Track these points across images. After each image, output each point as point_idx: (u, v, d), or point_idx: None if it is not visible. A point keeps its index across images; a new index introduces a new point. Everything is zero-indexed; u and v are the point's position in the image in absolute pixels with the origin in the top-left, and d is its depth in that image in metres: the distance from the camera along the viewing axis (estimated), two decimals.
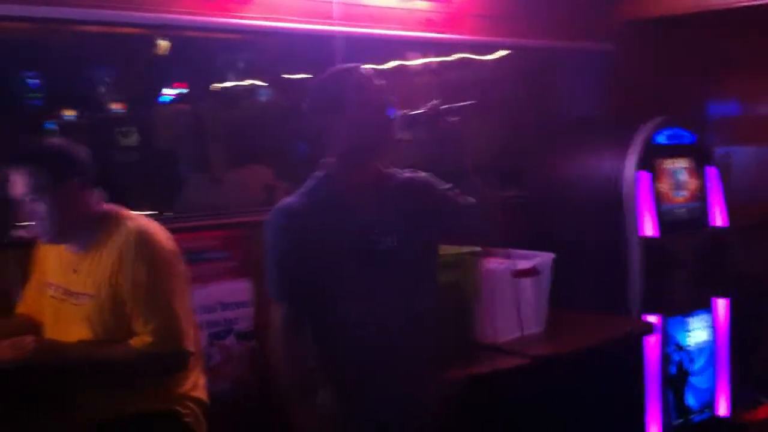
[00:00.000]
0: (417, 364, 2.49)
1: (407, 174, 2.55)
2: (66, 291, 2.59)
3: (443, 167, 2.53)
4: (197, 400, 2.69)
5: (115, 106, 4.50)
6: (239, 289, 3.64)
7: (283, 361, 2.34)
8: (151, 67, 4.23)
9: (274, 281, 2.38)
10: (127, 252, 2.50)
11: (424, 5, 4.56)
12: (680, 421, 4.59)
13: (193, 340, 2.59)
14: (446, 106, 2.43)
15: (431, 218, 2.46)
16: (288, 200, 2.41)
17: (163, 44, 3.97)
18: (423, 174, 2.58)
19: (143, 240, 2.53)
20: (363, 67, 2.45)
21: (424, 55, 4.91)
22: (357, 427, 2.44)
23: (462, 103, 2.43)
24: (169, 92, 4.58)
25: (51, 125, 4.19)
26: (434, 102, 2.42)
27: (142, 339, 2.47)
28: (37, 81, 3.97)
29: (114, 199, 2.71)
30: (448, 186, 2.53)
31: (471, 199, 2.50)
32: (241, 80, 4.60)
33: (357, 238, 2.35)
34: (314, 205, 2.37)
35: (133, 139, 4.53)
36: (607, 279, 4.49)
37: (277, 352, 2.35)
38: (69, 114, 4.31)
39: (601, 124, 5.10)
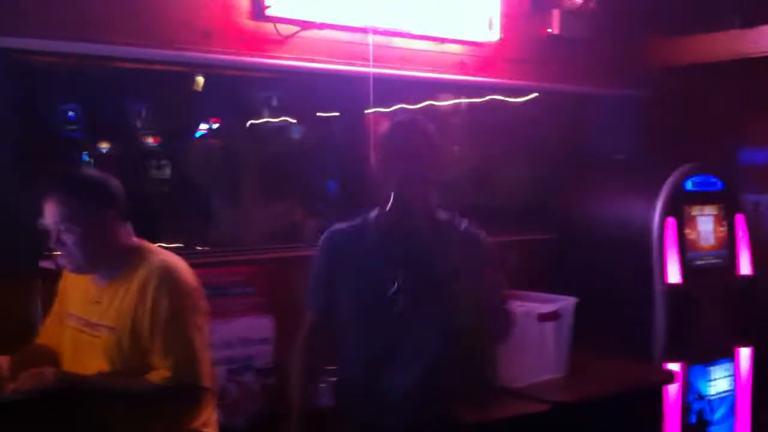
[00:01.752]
0: (430, 404, 2.54)
1: (462, 228, 2.61)
2: (86, 322, 2.62)
3: None
4: None
5: (150, 140, 4.60)
6: (261, 325, 3.66)
7: (297, 366, 2.66)
8: (186, 102, 4.32)
9: (309, 290, 2.68)
10: (150, 286, 2.53)
11: (457, 48, 4.61)
12: None
13: (209, 376, 2.61)
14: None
15: (459, 281, 2.51)
16: (340, 226, 2.69)
17: (199, 80, 4.05)
18: (479, 236, 2.65)
19: (166, 275, 2.56)
20: (423, 120, 2.63)
21: (456, 97, 4.95)
22: None
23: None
24: (203, 127, 4.67)
25: (86, 157, 4.29)
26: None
27: (160, 373, 2.50)
28: (74, 114, 4.07)
29: (144, 230, 2.75)
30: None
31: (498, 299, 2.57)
32: (274, 117, 4.67)
33: (380, 277, 2.53)
34: (357, 236, 2.63)
35: (165, 173, 4.62)
36: (631, 324, 4.45)
37: (296, 353, 2.67)
38: (104, 146, 4.41)
39: (630, 168, 5.09)
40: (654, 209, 4.44)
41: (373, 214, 2.65)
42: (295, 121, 4.68)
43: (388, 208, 2.51)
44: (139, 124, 4.59)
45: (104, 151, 4.41)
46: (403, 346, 2.53)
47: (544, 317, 3.89)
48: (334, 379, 2.74)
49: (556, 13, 4.87)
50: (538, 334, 3.88)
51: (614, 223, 4.67)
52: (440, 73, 4.55)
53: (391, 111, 4.31)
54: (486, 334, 2.62)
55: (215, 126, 4.68)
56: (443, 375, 2.58)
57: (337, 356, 2.69)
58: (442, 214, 2.60)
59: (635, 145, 5.21)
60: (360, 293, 2.57)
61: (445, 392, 2.63)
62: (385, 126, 2.66)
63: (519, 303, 3.87)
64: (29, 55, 3.30)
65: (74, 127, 4.08)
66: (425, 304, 2.51)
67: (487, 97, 4.95)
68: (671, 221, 4.41)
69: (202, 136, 4.70)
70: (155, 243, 2.80)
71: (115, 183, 2.63)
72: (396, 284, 2.50)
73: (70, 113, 4.05)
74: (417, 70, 4.43)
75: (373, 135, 2.65)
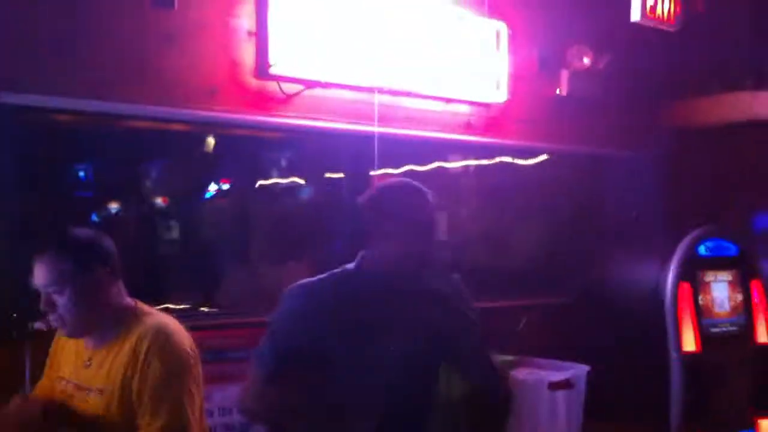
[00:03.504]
0: None
1: (446, 284, 2.50)
2: (76, 386, 2.54)
3: None
4: None
5: (159, 200, 4.57)
6: None
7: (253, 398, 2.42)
8: (195, 163, 4.30)
9: (265, 349, 2.40)
10: (142, 348, 2.44)
11: (465, 109, 4.58)
12: None
13: None
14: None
15: (443, 342, 2.41)
16: (308, 281, 2.42)
17: (209, 141, 4.03)
18: (459, 290, 2.53)
19: (160, 337, 2.47)
20: (414, 184, 2.48)
21: (464, 158, 4.91)
22: None
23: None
24: (211, 187, 4.64)
25: (96, 217, 4.26)
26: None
27: None
28: (85, 173, 4.06)
29: (149, 291, 2.69)
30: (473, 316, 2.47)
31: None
32: (283, 177, 4.64)
33: (364, 337, 2.32)
34: (333, 293, 2.37)
35: (174, 233, 4.58)
36: (647, 392, 4.33)
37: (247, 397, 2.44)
38: (114, 206, 4.38)
39: (643, 231, 5.00)
40: (667, 274, 4.36)
41: (350, 267, 2.44)
42: (302, 181, 4.65)
43: (373, 263, 2.39)
44: (149, 184, 4.59)
45: (114, 211, 4.39)
46: (391, 412, 2.34)
47: (555, 386, 3.77)
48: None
49: (564, 74, 4.85)
50: (549, 403, 3.75)
51: (627, 287, 4.57)
52: (447, 133, 4.51)
53: (395, 172, 4.27)
54: (483, 408, 2.50)
55: (224, 186, 4.65)
56: None
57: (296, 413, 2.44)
58: (434, 274, 2.47)
59: (648, 207, 5.12)
60: (340, 355, 2.33)
61: None
62: (377, 188, 2.51)
63: (528, 370, 3.77)
64: (42, 112, 3.30)
65: (85, 186, 4.07)
66: (413, 362, 2.34)
67: (497, 159, 4.91)
68: (685, 286, 4.32)
69: (210, 196, 4.67)
70: (160, 304, 2.72)
71: (106, 241, 2.56)
72: (388, 345, 2.30)
73: (82, 173, 4.04)
74: (424, 130, 4.39)
75: (364, 197, 2.52)
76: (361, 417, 2.33)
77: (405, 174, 4.46)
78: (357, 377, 2.32)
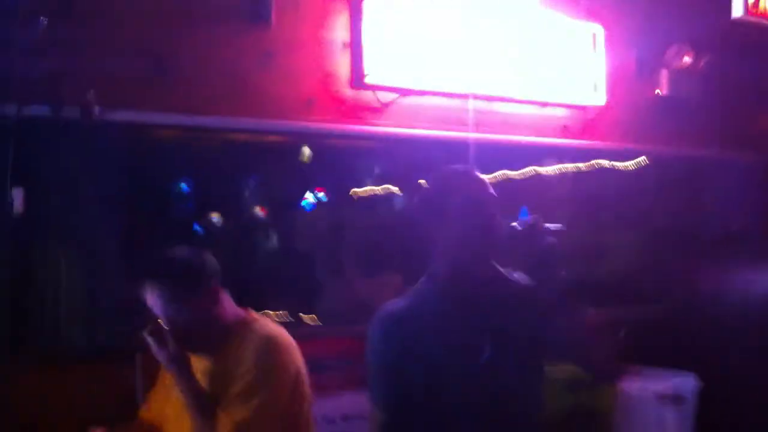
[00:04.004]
0: None
1: (521, 283, 2.41)
2: None
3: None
4: None
5: (258, 211, 4.64)
6: (362, 401, 3.55)
7: None
8: (292, 173, 4.34)
9: (376, 388, 2.25)
10: (246, 359, 2.48)
11: (561, 112, 4.51)
12: None
13: None
14: (542, 224, 2.28)
15: (536, 337, 2.33)
16: (391, 305, 2.28)
17: (305, 151, 4.06)
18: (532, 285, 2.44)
19: (264, 350, 2.50)
20: (471, 169, 2.37)
21: (562, 162, 4.83)
22: None
23: (554, 227, 2.29)
24: (308, 197, 4.68)
25: (198, 229, 4.35)
26: (535, 216, 2.28)
27: None
28: (187, 187, 4.15)
29: (249, 300, 2.71)
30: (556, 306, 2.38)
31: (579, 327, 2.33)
32: (377, 186, 4.64)
33: (456, 348, 2.20)
34: (418, 310, 2.23)
35: (272, 243, 4.64)
36: (759, 410, 4.13)
37: None
38: (215, 217, 4.47)
39: (750, 239, 4.80)
40: None
41: (425, 280, 2.31)
42: (397, 189, 4.64)
43: (444, 269, 2.25)
44: (247, 195, 4.66)
45: (215, 222, 4.48)
46: (491, 421, 2.21)
47: (666, 398, 3.62)
48: None
49: (664, 74, 4.71)
50: (657, 417, 3.61)
51: (734, 298, 4.38)
52: (543, 137, 4.45)
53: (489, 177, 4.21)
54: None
55: (321, 195, 4.69)
56: None
57: None
58: (502, 269, 2.32)
59: (755, 213, 4.93)
60: (438, 374, 2.19)
61: None
62: (431, 179, 2.36)
63: (634, 380, 3.66)
64: (145, 129, 3.40)
65: (187, 200, 4.16)
66: (510, 370, 2.21)
67: (594, 162, 4.80)
68: None
69: (307, 206, 4.71)
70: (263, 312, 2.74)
71: (209, 259, 2.60)
72: (480, 353, 2.17)
73: (184, 187, 4.14)
74: (519, 134, 4.35)
75: (422, 191, 2.40)
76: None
77: (500, 180, 4.42)
78: (464, 393, 2.20)
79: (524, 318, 2.25)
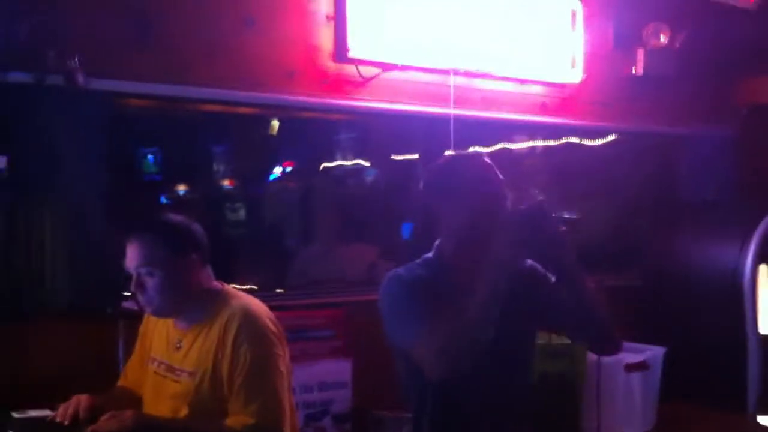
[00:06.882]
0: None
1: (527, 262, 2.48)
2: (168, 367, 2.60)
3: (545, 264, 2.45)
4: None
5: (227, 182, 4.64)
6: (339, 369, 3.61)
7: None
8: (262, 145, 4.34)
9: (413, 314, 2.27)
10: (231, 331, 2.49)
11: (539, 90, 4.54)
12: None
13: (290, 423, 2.55)
14: (551, 210, 2.33)
15: (538, 313, 2.40)
16: (401, 271, 2.39)
17: (274, 124, 4.05)
18: (534, 265, 2.50)
19: (247, 320, 2.52)
20: (480, 154, 2.44)
21: (538, 139, 4.87)
22: None
23: (568, 216, 2.34)
24: (278, 170, 4.69)
25: (165, 200, 4.34)
26: (540, 200, 2.33)
27: (241, 420, 2.44)
28: (154, 157, 4.13)
29: (220, 273, 2.74)
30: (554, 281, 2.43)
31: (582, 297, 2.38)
32: (349, 159, 4.66)
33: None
34: (434, 279, 2.34)
35: (241, 215, 4.65)
36: (722, 374, 4.26)
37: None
38: (182, 189, 4.46)
39: (719, 211, 4.90)
40: (746, 256, 4.28)
41: (430, 256, 2.43)
42: (371, 163, 4.67)
43: (449, 247, 2.37)
44: (216, 167, 4.65)
45: (182, 193, 4.47)
46: (489, 394, 2.35)
47: (631, 368, 3.74)
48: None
49: (640, 53, 4.75)
50: (625, 385, 3.72)
51: (703, 270, 4.50)
52: (522, 114, 4.48)
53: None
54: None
55: (291, 168, 4.70)
56: (528, 422, 2.44)
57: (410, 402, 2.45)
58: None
59: (724, 187, 5.03)
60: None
61: None
62: (441, 161, 2.48)
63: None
64: (118, 97, 3.34)
65: (155, 170, 4.14)
66: (509, 345, 2.32)
67: (569, 139, 4.85)
68: (764, 269, 4.23)
69: (278, 178, 4.72)
70: (232, 285, 2.77)
71: (197, 228, 2.62)
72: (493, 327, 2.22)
73: (150, 156, 4.12)
74: (499, 112, 4.37)
75: (428, 173, 2.47)
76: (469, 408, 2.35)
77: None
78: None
79: (528, 292, 2.35)
